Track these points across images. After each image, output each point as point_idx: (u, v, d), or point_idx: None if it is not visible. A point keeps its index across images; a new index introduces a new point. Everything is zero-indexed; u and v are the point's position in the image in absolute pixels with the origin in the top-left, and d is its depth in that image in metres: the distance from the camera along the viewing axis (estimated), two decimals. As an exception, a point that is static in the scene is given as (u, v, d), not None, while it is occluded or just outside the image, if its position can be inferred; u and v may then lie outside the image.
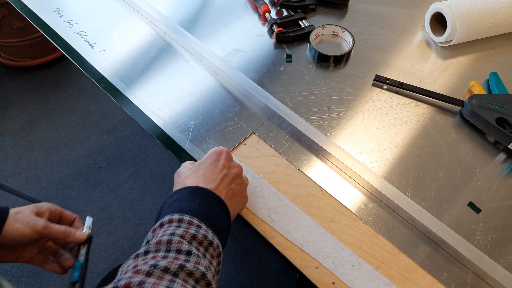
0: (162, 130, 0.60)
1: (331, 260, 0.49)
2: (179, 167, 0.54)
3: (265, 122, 0.62)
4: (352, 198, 0.54)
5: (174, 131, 0.60)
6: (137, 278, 0.32)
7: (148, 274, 0.32)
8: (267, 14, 0.77)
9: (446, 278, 0.48)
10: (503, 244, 0.51)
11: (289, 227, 0.51)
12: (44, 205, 0.52)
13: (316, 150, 0.59)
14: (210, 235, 0.38)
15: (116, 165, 1.49)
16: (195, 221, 0.38)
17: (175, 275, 0.33)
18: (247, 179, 0.53)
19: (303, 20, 0.75)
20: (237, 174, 0.49)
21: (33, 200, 1.29)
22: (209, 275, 0.35)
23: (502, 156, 0.61)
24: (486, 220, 0.53)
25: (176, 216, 0.38)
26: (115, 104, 1.67)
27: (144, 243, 0.37)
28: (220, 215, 0.43)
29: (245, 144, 0.59)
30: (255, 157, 0.57)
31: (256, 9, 0.80)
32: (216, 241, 0.38)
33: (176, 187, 0.46)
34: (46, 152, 1.52)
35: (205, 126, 0.61)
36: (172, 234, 0.36)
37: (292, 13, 0.77)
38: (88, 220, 0.54)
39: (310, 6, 0.79)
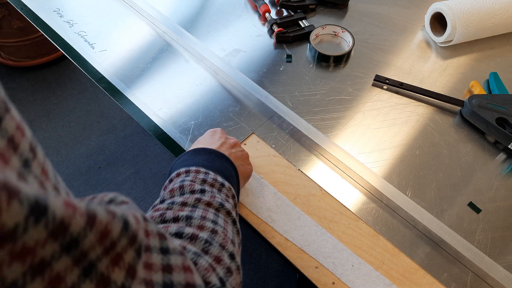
0: (162, 130, 0.60)
1: (331, 260, 0.49)
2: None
3: (265, 122, 0.62)
4: (352, 198, 0.54)
5: (174, 131, 0.60)
6: (157, 213, 0.33)
7: (168, 209, 0.33)
8: (267, 14, 0.76)
9: (446, 278, 0.48)
10: (503, 244, 0.51)
11: (289, 227, 0.51)
12: None
13: (316, 150, 0.59)
14: (220, 178, 0.38)
15: (116, 165, 1.49)
16: (202, 169, 0.39)
17: (194, 206, 0.34)
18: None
19: (303, 20, 0.75)
20: (235, 143, 0.50)
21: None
22: (228, 206, 0.36)
23: (502, 156, 0.61)
24: (486, 220, 0.53)
25: (182, 169, 0.39)
26: (115, 104, 1.67)
27: (158, 199, 0.38)
28: (227, 166, 0.43)
29: (245, 144, 0.59)
30: (255, 157, 0.57)
31: (256, 9, 0.80)
32: (227, 184, 0.39)
33: None
34: (46, 152, 1.51)
35: (205, 126, 0.61)
36: (182, 181, 0.37)
37: (292, 13, 0.77)
38: None
39: (310, 6, 0.79)
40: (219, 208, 0.35)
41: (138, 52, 0.71)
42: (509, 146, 0.60)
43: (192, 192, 0.35)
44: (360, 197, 0.55)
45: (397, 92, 0.68)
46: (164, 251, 0.24)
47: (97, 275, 0.18)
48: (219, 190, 0.37)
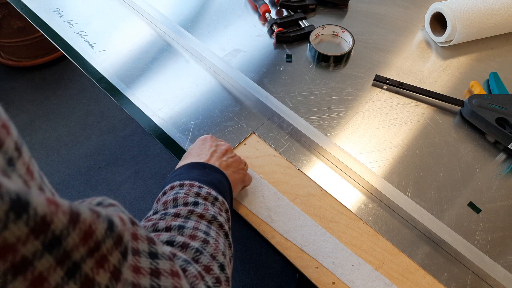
0: (162, 130, 0.60)
1: (331, 260, 0.49)
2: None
3: (265, 122, 0.62)
4: (352, 198, 0.54)
5: (174, 131, 0.60)
6: (150, 223, 0.33)
7: (160, 219, 0.33)
8: (267, 14, 0.76)
9: (446, 278, 0.48)
10: (503, 244, 0.51)
11: (289, 227, 0.51)
12: None
13: (316, 150, 0.59)
14: (213, 192, 0.39)
15: (116, 165, 1.49)
16: (196, 183, 0.39)
17: (187, 217, 0.34)
18: (246, 164, 0.53)
19: (303, 20, 0.75)
20: (226, 149, 0.49)
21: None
22: (221, 219, 0.36)
23: (502, 156, 0.61)
24: (486, 220, 0.53)
25: (177, 183, 0.39)
26: (115, 104, 1.67)
27: (151, 210, 0.38)
28: (221, 179, 0.43)
29: (245, 144, 0.59)
30: (255, 157, 0.57)
31: (256, 9, 0.80)
32: (221, 198, 0.39)
33: None
34: (46, 152, 1.52)
35: (205, 126, 0.61)
36: (176, 193, 0.37)
37: (292, 13, 0.77)
38: None
39: (310, 6, 0.79)
40: (212, 220, 0.35)
41: (138, 52, 0.71)
42: (509, 146, 0.60)
43: (186, 204, 0.35)
44: (360, 197, 0.55)
45: (397, 92, 0.68)
46: (153, 255, 0.24)
47: (81, 276, 0.18)
48: (213, 204, 0.37)
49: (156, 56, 0.70)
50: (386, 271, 0.48)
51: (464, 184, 0.57)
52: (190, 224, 0.33)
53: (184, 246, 0.30)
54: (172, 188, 0.38)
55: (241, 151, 0.58)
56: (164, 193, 0.39)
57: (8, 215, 0.14)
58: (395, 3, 0.84)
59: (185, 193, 0.37)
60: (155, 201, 0.39)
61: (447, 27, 0.72)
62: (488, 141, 0.62)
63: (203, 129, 0.60)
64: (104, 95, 1.70)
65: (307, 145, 0.59)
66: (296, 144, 0.59)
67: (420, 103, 0.66)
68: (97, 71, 0.67)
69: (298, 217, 0.52)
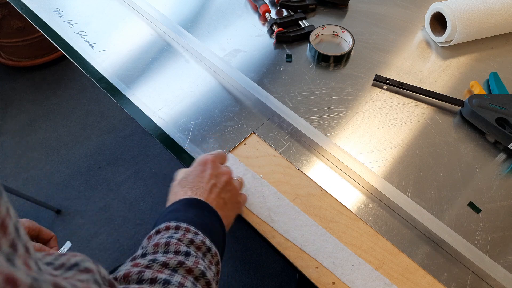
0: (162, 130, 0.60)
1: (331, 260, 0.49)
2: (179, 167, 0.54)
3: (265, 122, 0.62)
4: (352, 198, 0.54)
5: (174, 131, 0.60)
6: (136, 269, 0.31)
7: (147, 267, 0.32)
8: (267, 14, 0.77)
9: (446, 278, 0.48)
10: (503, 244, 0.51)
11: (289, 227, 0.51)
12: (24, 223, 0.52)
13: (316, 150, 0.59)
14: (208, 242, 0.37)
15: (116, 165, 1.49)
16: (192, 229, 0.38)
17: (174, 270, 0.33)
18: (241, 182, 0.52)
19: (303, 20, 0.75)
20: (226, 182, 0.47)
21: (33, 201, 1.29)
22: (209, 275, 0.35)
23: (502, 156, 0.61)
24: (486, 220, 0.53)
25: (173, 224, 0.38)
26: (115, 104, 1.67)
27: (139, 249, 0.37)
28: (216, 226, 0.42)
29: (245, 144, 0.59)
30: (255, 157, 0.57)
31: (256, 9, 0.80)
32: (214, 248, 0.38)
33: (169, 201, 0.45)
34: (46, 152, 1.52)
35: (205, 126, 0.61)
36: (170, 237, 0.35)
37: (292, 13, 0.77)
38: (67, 244, 0.54)
39: (310, 6, 0.79)
40: (199, 277, 0.34)
41: (138, 52, 0.71)
42: (509, 146, 0.60)
43: (177, 253, 0.34)
44: (360, 197, 0.55)
45: (397, 92, 0.68)
46: None
47: None
48: (204, 255, 0.36)
49: (156, 56, 0.70)
50: (386, 271, 0.48)
51: (464, 184, 0.57)
52: (176, 279, 0.32)
53: None
54: (167, 228, 0.37)
55: (241, 151, 0.58)
56: (158, 232, 0.37)
57: None
58: (395, 3, 0.84)
59: (178, 239, 0.35)
60: (147, 237, 0.38)
61: (447, 27, 0.72)
62: (488, 141, 0.62)
63: (203, 129, 0.60)
64: (104, 95, 1.70)
65: (307, 145, 0.59)
66: (296, 144, 0.59)
67: (420, 103, 0.66)
68: (97, 71, 0.67)
69: (298, 217, 0.52)
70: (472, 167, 0.59)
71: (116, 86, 0.65)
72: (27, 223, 0.52)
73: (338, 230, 0.51)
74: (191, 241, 0.36)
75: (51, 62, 1.79)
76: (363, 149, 0.60)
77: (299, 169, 0.57)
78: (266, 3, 0.78)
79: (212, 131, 0.60)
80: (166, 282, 0.31)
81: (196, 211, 0.41)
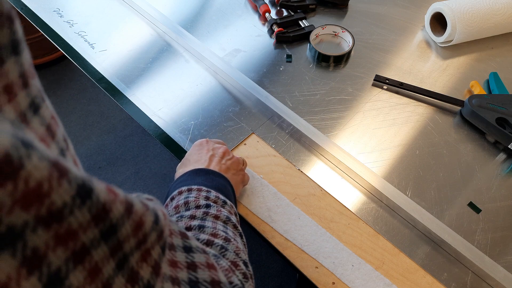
0: (162, 130, 0.60)
1: (331, 260, 0.49)
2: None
3: (265, 122, 0.62)
4: (352, 198, 0.54)
5: (174, 131, 0.60)
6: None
7: (178, 221, 0.33)
8: (267, 14, 0.76)
9: (446, 278, 0.48)
10: (503, 244, 0.51)
11: (289, 227, 0.51)
12: None
13: (316, 150, 0.59)
14: (221, 196, 0.39)
15: (116, 165, 1.49)
16: (204, 188, 0.39)
17: (203, 218, 0.34)
18: (244, 160, 0.53)
19: (303, 20, 0.75)
20: (224, 152, 0.49)
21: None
22: (234, 220, 0.36)
23: (502, 156, 0.61)
24: (486, 220, 0.53)
25: (184, 188, 0.39)
26: (115, 104, 1.67)
27: None
28: (225, 185, 0.43)
29: (245, 144, 0.59)
30: (255, 157, 0.57)
31: (256, 9, 0.80)
32: (229, 201, 0.39)
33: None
34: (46, 152, 1.52)
35: (205, 126, 0.61)
36: (186, 197, 0.37)
37: (292, 13, 0.77)
38: None
39: (310, 6, 0.79)
40: (227, 221, 0.35)
41: (138, 52, 0.71)
42: (509, 146, 0.60)
43: (198, 207, 0.35)
44: (360, 197, 0.55)
45: (397, 92, 0.68)
46: (187, 249, 0.24)
47: (128, 269, 0.18)
48: (223, 207, 0.38)
49: (156, 56, 0.70)
50: (386, 271, 0.48)
51: (464, 184, 0.57)
52: (208, 224, 0.33)
53: (209, 243, 0.31)
54: (180, 193, 0.38)
55: (241, 151, 0.58)
56: (172, 199, 0.38)
57: (74, 200, 0.15)
58: (395, 3, 0.84)
59: (195, 197, 0.37)
60: (164, 205, 0.39)
61: (447, 27, 0.72)
62: (488, 141, 0.62)
63: (203, 129, 0.60)
64: (104, 95, 1.70)
65: (307, 145, 0.59)
66: (296, 144, 0.59)
67: (420, 103, 0.66)
68: (97, 71, 0.67)
69: (298, 217, 0.52)
70: (472, 167, 0.59)
71: (116, 86, 0.65)
72: None
73: (338, 230, 0.51)
74: (207, 197, 0.37)
75: (51, 62, 1.79)
76: (363, 149, 0.60)
77: (299, 169, 0.57)
78: (266, 3, 0.78)
79: (212, 131, 0.60)
80: (201, 227, 0.32)
81: (203, 177, 0.42)
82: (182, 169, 0.47)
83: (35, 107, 0.16)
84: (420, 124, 0.64)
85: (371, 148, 0.60)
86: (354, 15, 0.80)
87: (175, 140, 0.59)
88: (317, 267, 0.48)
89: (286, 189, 0.54)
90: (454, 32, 0.72)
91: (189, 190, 0.38)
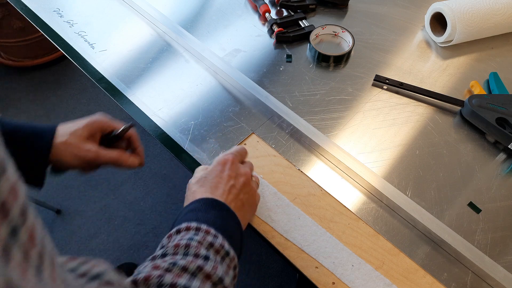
0: (162, 130, 0.60)
1: (331, 260, 0.49)
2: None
3: (265, 122, 0.62)
4: (352, 198, 0.54)
5: (174, 131, 0.60)
6: (156, 272, 0.32)
7: (167, 270, 0.33)
8: (267, 14, 0.76)
9: (446, 278, 0.48)
10: (503, 244, 0.51)
11: (289, 227, 0.51)
12: (95, 124, 0.51)
13: (316, 150, 0.59)
14: (227, 245, 0.38)
15: (116, 165, 1.49)
16: (212, 231, 0.38)
17: (194, 274, 0.33)
18: (257, 182, 0.51)
19: (303, 20, 0.75)
20: (245, 183, 0.47)
21: (33, 201, 1.29)
22: (226, 281, 0.35)
23: (502, 156, 0.61)
24: (486, 220, 0.53)
25: (193, 224, 0.38)
26: (115, 104, 1.67)
27: (159, 248, 0.37)
28: (235, 228, 0.42)
29: (245, 144, 0.59)
30: (255, 157, 0.57)
31: (256, 9, 0.80)
32: (232, 252, 0.38)
33: (186, 201, 0.45)
34: (46, 152, 1.51)
35: (205, 126, 0.61)
36: (191, 239, 0.36)
37: (292, 13, 0.77)
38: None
39: (310, 6, 0.79)
40: (217, 283, 0.34)
41: (138, 52, 0.71)
42: (509, 146, 0.60)
43: (196, 256, 0.35)
44: (360, 197, 0.55)
45: (397, 92, 0.68)
46: None
47: None
48: (222, 259, 0.37)
49: (156, 56, 0.70)
50: (386, 271, 0.48)
51: (464, 184, 0.57)
52: (196, 284, 0.32)
53: None
54: (188, 229, 0.37)
55: (241, 151, 0.58)
56: (178, 232, 0.37)
57: None
58: (395, 3, 0.84)
59: (199, 241, 0.36)
60: (167, 235, 0.38)
61: (447, 27, 0.72)
62: (488, 141, 0.62)
63: (203, 129, 0.60)
64: (104, 95, 1.70)
65: (307, 145, 0.59)
66: (296, 144, 0.59)
67: (420, 103, 0.66)
68: (97, 71, 0.67)
69: (298, 217, 0.52)
70: (472, 167, 0.59)
71: (116, 86, 0.65)
72: (98, 124, 0.52)
73: (338, 230, 0.51)
74: (211, 244, 0.36)
75: (51, 62, 1.79)
76: (363, 149, 0.60)
77: (299, 169, 0.57)
78: (266, 3, 0.78)
79: (212, 131, 0.60)
80: (186, 287, 0.32)
81: (216, 212, 0.41)
82: (198, 187, 0.45)
83: None
84: (420, 124, 0.64)
85: (371, 148, 0.60)
86: (354, 15, 0.80)
87: (175, 140, 0.59)
88: (317, 267, 0.48)
89: (286, 189, 0.54)
90: (454, 32, 0.72)
91: (197, 230, 0.37)
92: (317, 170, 0.57)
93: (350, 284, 0.47)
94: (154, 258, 0.35)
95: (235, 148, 0.51)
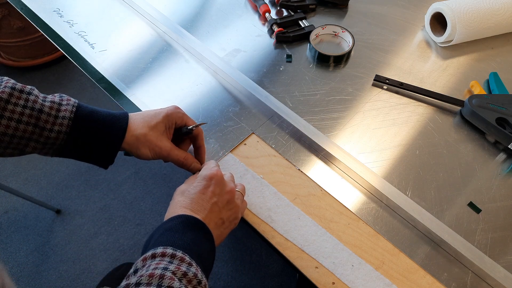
0: (162, 130, 0.60)
1: (331, 260, 0.49)
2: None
3: (265, 122, 0.62)
4: (352, 198, 0.54)
5: (174, 131, 0.60)
6: None
7: None
8: (267, 14, 0.77)
9: (446, 278, 0.48)
10: (503, 244, 0.51)
11: (289, 227, 0.51)
12: (172, 117, 0.52)
13: (316, 150, 0.59)
14: (199, 274, 0.38)
15: (116, 165, 1.49)
16: (187, 258, 0.38)
17: None
18: (243, 191, 0.51)
19: (303, 20, 0.75)
20: (228, 200, 0.47)
21: (33, 200, 1.29)
22: None
23: (502, 156, 0.61)
24: (486, 220, 0.53)
25: (169, 251, 0.38)
26: (115, 104, 1.67)
27: (132, 270, 0.37)
28: (209, 251, 0.42)
29: (245, 144, 0.59)
30: (255, 157, 0.57)
31: (256, 9, 0.80)
32: (204, 280, 0.39)
33: (168, 210, 0.45)
34: (46, 152, 1.52)
35: (205, 126, 0.61)
36: (165, 269, 0.36)
37: (292, 13, 0.77)
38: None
39: (310, 6, 0.79)
40: None
41: (138, 52, 0.71)
42: (509, 146, 0.60)
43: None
44: (360, 197, 0.55)
45: (397, 92, 0.68)
46: None
47: None
48: None
49: (156, 56, 0.70)
50: (386, 271, 0.48)
51: (464, 184, 0.57)
52: None
53: None
54: (163, 255, 0.38)
55: (241, 151, 0.58)
56: (154, 257, 0.38)
57: None
58: (395, 3, 0.84)
59: (173, 272, 0.36)
60: (141, 258, 0.38)
61: (447, 27, 0.72)
62: (488, 141, 0.62)
63: (203, 129, 0.60)
64: (104, 95, 1.70)
65: (307, 145, 0.59)
66: (296, 144, 0.59)
67: (420, 103, 0.66)
68: (97, 71, 0.67)
69: (298, 217, 0.52)
70: (472, 167, 0.59)
71: (116, 86, 0.65)
72: (175, 119, 0.52)
73: (338, 230, 0.51)
74: (184, 274, 0.37)
75: (51, 62, 1.79)
76: (363, 149, 0.60)
77: (299, 169, 0.57)
78: (266, 3, 0.78)
79: (212, 131, 0.60)
80: None
81: (193, 235, 0.41)
82: (182, 199, 0.45)
83: None
84: (420, 124, 0.64)
85: (371, 148, 0.60)
86: (354, 15, 0.80)
87: (175, 140, 0.58)
88: (317, 267, 0.48)
89: (286, 189, 0.54)
90: (454, 32, 0.72)
91: (172, 257, 0.38)
92: (317, 170, 0.57)
93: (350, 284, 0.47)
94: (128, 285, 0.35)
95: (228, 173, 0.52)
